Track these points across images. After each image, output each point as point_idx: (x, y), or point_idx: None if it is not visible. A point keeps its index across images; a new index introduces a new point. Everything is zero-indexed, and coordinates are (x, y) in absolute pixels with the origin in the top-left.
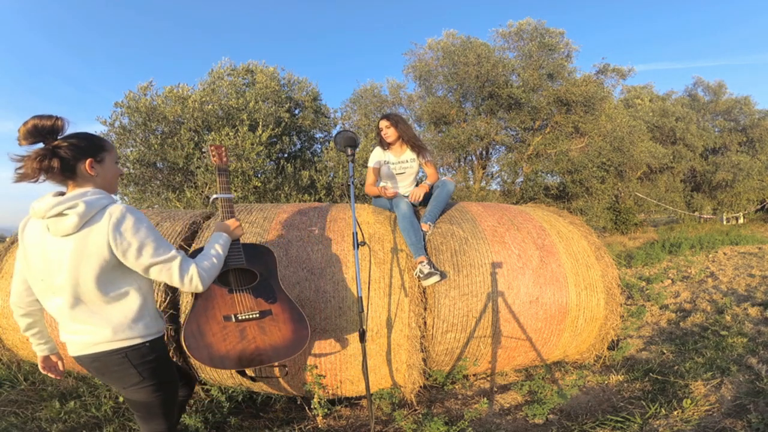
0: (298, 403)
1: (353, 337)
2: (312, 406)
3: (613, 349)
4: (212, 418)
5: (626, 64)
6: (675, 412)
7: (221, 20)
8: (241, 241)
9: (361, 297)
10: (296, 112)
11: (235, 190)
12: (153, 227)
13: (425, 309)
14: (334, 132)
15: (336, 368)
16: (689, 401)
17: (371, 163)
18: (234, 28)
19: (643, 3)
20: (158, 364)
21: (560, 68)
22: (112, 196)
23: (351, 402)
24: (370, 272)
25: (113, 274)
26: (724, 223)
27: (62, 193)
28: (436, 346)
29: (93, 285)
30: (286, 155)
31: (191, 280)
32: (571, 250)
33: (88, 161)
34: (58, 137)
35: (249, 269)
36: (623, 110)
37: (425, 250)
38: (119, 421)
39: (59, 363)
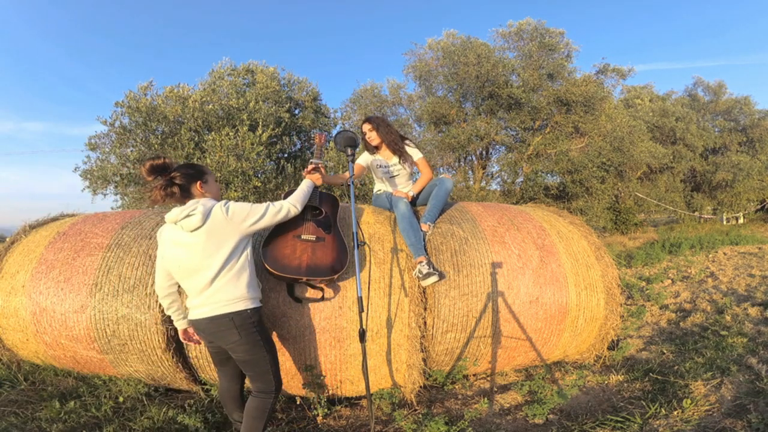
0: (298, 403)
1: (353, 337)
2: (312, 406)
3: (613, 349)
4: (212, 418)
5: (626, 64)
6: (675, 412)
7: (222, 20)
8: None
9: (361, 297)
10: (296, 112)
11: (235, 190)
12: (246, 206)
13: (425, 309)
14: (334, 132)
15: (336, 368)
16: (689, 401)
17: (359, 160)
18: (234, 28)
19: (644, 3)
20: (255, 328)
21: (560, 68)
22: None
23: (351, 402)
24: (370, 272)
25: (232, 254)
26: (724, 223)
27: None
28: (436, 346)
29: (219, 263)
30: (286, 155)
31: (288, 210)
32: (571, 250)
33: (198, 183)
34: (171, 170)
35: (318, 207)
36: (623, 110)
37: (425, 250)
38: (119, 421)
39: (195, 333)
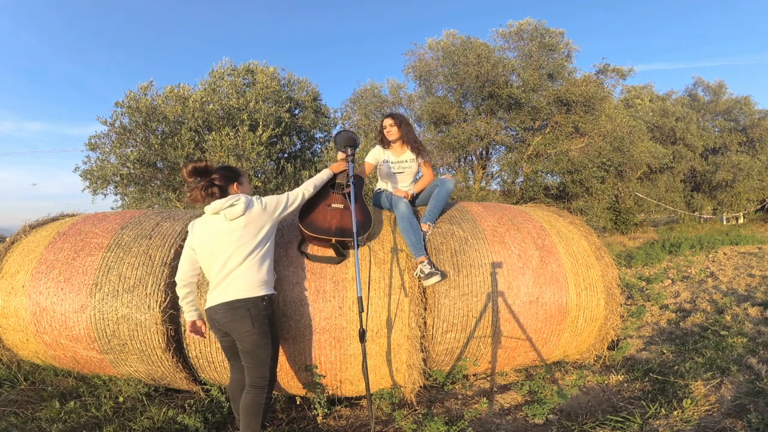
0: (298, 403)
1: (353, 337)
2: (312, 406)
3: (613, 349)
4: (212, 418)
5: (626, 64)
6: (675, 412)
7: (222, 20)
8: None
9: (361, 297)
10: (296, 112)
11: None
12: (275, 198)
13: (425, 309)
14: (334, 132)
15: (336, 368)
16: (689, 401)
17: (368, 158)
18: (234, 27)
19: (644, 3)
20: (268, 320)
21: (560, 68)
22: None
23: (351, 402)
24: (370, 272)
25: (262, 240)
26: (724, 223)
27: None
28: (436, 346)
29: (250, 248)
30: (286, 155)
31: (303, 195)
32: (571, 250)
33: (235, 184)
34: (212, 172)
35: (348, 184)
36: (623, 110)
37: (425, 250)
38: (119, 421)
39: (203, 327)
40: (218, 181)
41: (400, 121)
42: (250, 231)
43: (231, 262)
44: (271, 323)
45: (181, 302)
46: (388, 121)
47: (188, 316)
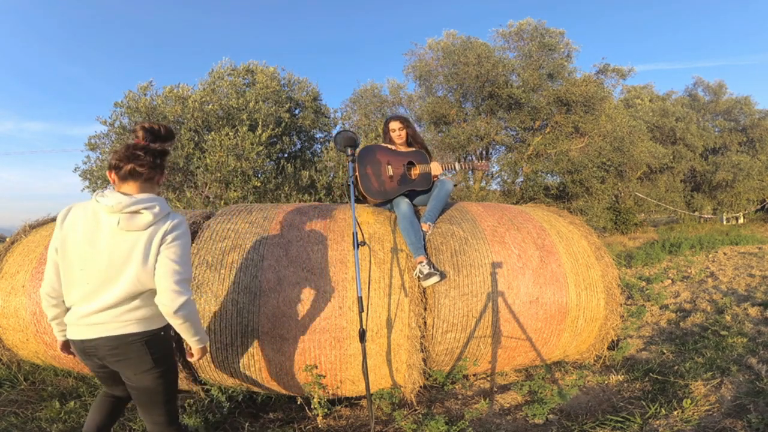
0: (298, 403)
1: (353, 337)
2: (312, 406)
3: (613, 349)
4: (212, 418)
5: (626, 64)
6: (675, 412)
7: (222, 20)
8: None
9: (361, 297)
10: (296, 112)
11: (235, 190)
12: (189, 254)
13: (425, 309)
14: (334, 132)
15: (336, 368)
16: (689, 401)
17: None
18: (235, 27)
19: (644, 3)
20: (170, 351)
21: (560, 68)
22: None
23: (351, 402)
24: (370, 272)
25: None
26: (724, 223)
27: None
28: (436, 346)
29: (150, 276)
30: (286, 155)
31: (173, 308)
32: (571, 250)
33: (162, 175)
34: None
35: (414, 167)
36: (623, 110)
37: (425, 250)
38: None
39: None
40: (159, 160)
41: (408, 124)
42: (151, 252)
43: (121, 287)
44: (171, 354)
45: (52, 321)
46: (397, 125)
47: (59, 336)
